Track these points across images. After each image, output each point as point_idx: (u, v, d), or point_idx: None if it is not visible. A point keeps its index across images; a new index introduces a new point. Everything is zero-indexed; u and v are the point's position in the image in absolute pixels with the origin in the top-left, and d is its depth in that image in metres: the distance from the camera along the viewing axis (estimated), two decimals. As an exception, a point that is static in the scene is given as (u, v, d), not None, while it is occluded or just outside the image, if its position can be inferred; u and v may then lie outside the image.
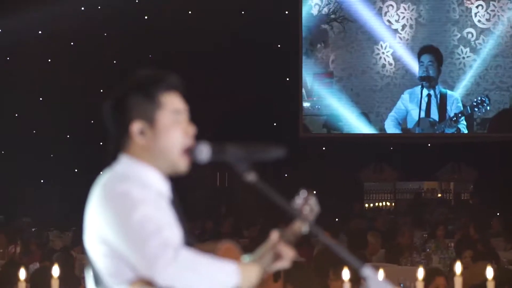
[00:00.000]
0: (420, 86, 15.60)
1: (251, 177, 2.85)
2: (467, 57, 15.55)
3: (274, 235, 3.16)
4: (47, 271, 5.86)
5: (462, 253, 8.27)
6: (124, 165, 2.92)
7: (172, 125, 2.87)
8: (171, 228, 2.86)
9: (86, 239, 2.92)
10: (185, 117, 2.90)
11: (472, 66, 15.54)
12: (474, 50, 15.53)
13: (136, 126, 2.87)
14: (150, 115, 2.86)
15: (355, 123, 15.86)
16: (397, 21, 15.77)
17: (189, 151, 2.88)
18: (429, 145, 16.05)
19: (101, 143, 13.98)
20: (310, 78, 15.99)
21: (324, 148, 16.22)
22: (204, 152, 2.87)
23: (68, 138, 15.67)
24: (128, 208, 2.79)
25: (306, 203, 3.34)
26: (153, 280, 2.73)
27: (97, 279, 2.89)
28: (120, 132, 2.91)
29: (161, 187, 2.93)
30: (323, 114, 15.95)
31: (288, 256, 3.11)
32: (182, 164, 2.91)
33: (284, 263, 3.13)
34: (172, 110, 2.89)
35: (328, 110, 15.91)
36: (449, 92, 15.55)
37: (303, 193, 3.37)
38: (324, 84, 15.94)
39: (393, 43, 15.74)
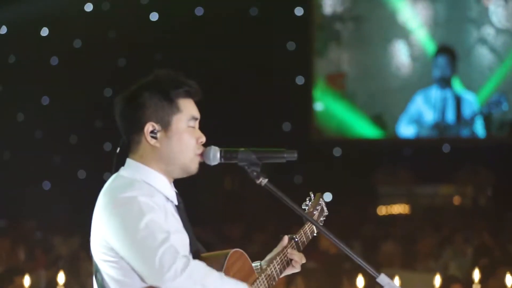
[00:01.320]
0: (435, 88, 15.40)
1: (262, 180, 2.86)
2: (486, 57, 15.32)
3: (285, 240, 3.14)
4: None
5: (479, 261, 8.11)
6: (131, 170, 2.85)
7: (186, 131, 2.87)
8: (179, 236, 2.83)
9: (92, 246, 2.83)
10: (197, 125, 2.92)
11: (490, 66, 15.31)
12: (493, 50, 15.29)
13: (149, 127, 2.81)
14: (166, 118, 2.82)
15: (369, 125, 15.69)
16: (413, 20, 15.56)
17: (200, 155, 2.90)
18: (444, 147, 15.85)
19: (107, 146, 13.95)
20: (322, 79, 15.84)
21: (336, 151, 16.07)
22: (214, 155, 2.90)
23: (74, 140, 15.62)
24: (135, 216, 2.72)
25: (316, 207, 3.33)
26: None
27: (102, 287, 2.84)
28: (131, 131, 2.84)
29: (168, 194, 2.85)
30: (335, 116, 15.79)
31: (299, 261, 3.10)
32: (193, 166, 2.86)
33: (295, 269, 3.11)
34: (188, 117, 2.88)
35: (341, 112, 15.75)
36: (465, 93, 15.34)
37: (313, 197, 3.37)
38: (337, 85, 15.78)
39: (408, 43, 15.55)
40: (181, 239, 2.84)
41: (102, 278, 2.83)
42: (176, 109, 2.87)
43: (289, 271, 3.15)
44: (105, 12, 15.26)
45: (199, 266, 2.72)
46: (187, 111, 2.89)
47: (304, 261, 3.14)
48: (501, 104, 15.06)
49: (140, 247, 2.69)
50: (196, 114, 2.93)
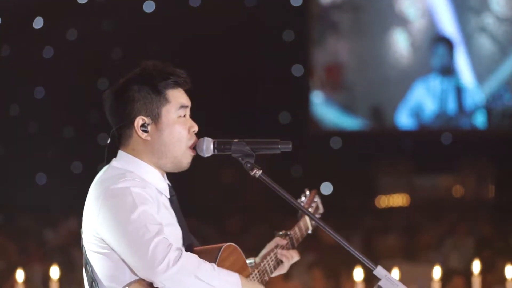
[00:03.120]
0: (434, 78, 15.32)
1: (256, 172, 2.83)
2: (486, 47, 15.22)
3: (278, 238, 3.15)
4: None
5: (481, 252, 8.05)
6: (122, 162, 2.82)
7: (177, 122, 2.85)
8: (171, 229, 2.81)
9: (83, 238, 2.79)
10: (188, 114, 2.90)
11: (491, 56, 15.22)
12: (493, 39, 15.19)
13: (140, 121, 2.78)
14: (156, 110, 2.80)
15: (368, 116, 15.63)
16: (410, 9, 15.46)
17: (193, 147, 2.88)
18: (444, 138, 15.78)
19: (102, 138, 13.93)
20: (320, 70, 15.78)
21: (335, 143, 16.03)
22: (208, 147, 2.87)
23: (69, 133, 15.61)
24: (127, 207, 2.70)
25: (311, 204, 3.29)
26: (152, 282, 2.67)
27: (92, 281, 2.83)
28: (121, 125, 2.81)
29: (160, 186, 2.82)
30: (334, 107, 15.72)
31: (289, 258, 3.09)
32: (185, 161, 2.83)
33: (283, 268, 3.11)
34: (177, 106, 2.87)
35: (339, 103, 15.69)
36: (466, 83, 15.25)
37: (308, 193, 3.32)
38: (335, 75, 15.73)
39: (407, 32, 15.45)
40: (173, 232, 2.82)
41: (92, 270, 2.81)
42: (165, 101, 2.85)
43: (278, 271, 3.13)
44: (100, 3, 15.21)
45: (192, 258, 2.69)
46: (176, 102, 2.87)
47: (297, 258, 3.12)
48: (502, 96, 14.97)
49: (132, 239, 2.67)
50: (185, 102, 2.91)
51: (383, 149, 15.58)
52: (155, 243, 2.64)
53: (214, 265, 2.73)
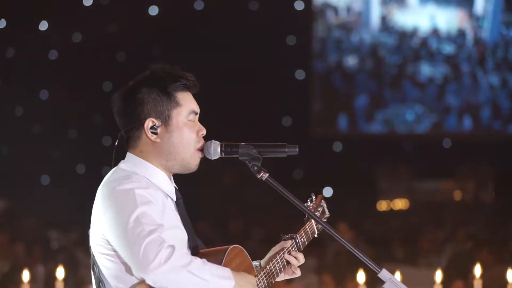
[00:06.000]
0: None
1: (263, 175, 2.85)
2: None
3: (284, 241, 3.12)
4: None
5: (481, 256, 8.07)
6: (130, 163, 2.83)
7: (186, 125, 2.86)
8: (176, 232, 2.82)
9: (91, 239, 2.81)
10: (197, 118, 2.91)
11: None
12: None
13: (149, 123, 2.79)
14: (166, 112, 2.81)
15: (370, 120, 15.64)
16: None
17: (201, 149, 2.89)
18: (444, 142, 15.79)
19: (106, 141, 13.94)
20: (322, 74, 15.79)
21: (337, 146, 16.03)
22: (215, 150, 2.88)
23: (73, 134, 15.61)
24: (128, 208, 2.71)
25: (318, 208, 3.29)
26: (145, 280, 2.67)
27: (100, 281, 2.83)
28: (130, 127, 2.82)
29: (167, 189, 2.84)
30: (336, 111, 15.74)
31: (295, 264, 3.07)
32: (193, 162, 2.85)
33: (294, 274, 3.10)
34: (188, 111, 2.87)
35: (342, 107, 15.70)
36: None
37: (314, 198, 3.31)
38: (337, 79, 15.75)
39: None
40: (178, 235, 2.83)
41: (99, 271, 2.82)
42: (175, 103, 2.85)
43: (288, 275, 3.11)
44: (105, 6, 15.21)
45: (183, 254, 2.70)
46: (187, 105, 2.88)
47: (302, 260, 3.11)
48: None
49: (128, 239, 2.68)
50: (196, 108, 2.92)
51: (384, 153, 15.59)
52: (147, 242, 2.64)
53: (205, 260, 2.74)
